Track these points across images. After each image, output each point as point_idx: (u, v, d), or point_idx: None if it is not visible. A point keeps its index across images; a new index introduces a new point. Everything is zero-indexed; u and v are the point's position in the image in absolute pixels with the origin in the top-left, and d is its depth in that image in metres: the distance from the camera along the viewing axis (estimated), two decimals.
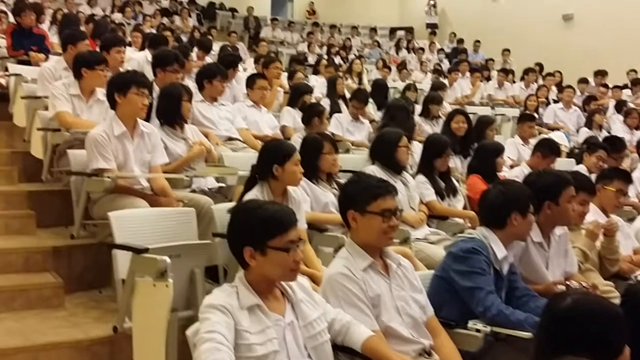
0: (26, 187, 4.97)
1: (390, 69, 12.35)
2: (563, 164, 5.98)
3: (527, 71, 11.75)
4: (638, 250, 4.34)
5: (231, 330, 2.09)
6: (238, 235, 2.25)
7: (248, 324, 2.13)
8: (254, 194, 3.46)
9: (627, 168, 6.11)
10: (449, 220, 4.63)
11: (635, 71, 12.31)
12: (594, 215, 4.02)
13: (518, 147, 6.76)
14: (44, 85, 5.31)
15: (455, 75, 11.26)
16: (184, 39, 11.74)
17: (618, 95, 10.87)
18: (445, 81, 10.59)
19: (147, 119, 4.32)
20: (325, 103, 6.89)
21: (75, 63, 4.77)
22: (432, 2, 18.46)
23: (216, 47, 9.73)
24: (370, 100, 7.46)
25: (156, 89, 4.90)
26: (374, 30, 18.16)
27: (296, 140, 4.62)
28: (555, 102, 10.25)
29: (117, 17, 12.98)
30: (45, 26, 8.83)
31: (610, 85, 11.30)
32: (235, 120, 5.58)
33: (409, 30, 18.42)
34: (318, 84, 8.35)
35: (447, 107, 8.14)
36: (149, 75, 4.83)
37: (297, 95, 6.37)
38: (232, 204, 3.61)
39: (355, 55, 14.09)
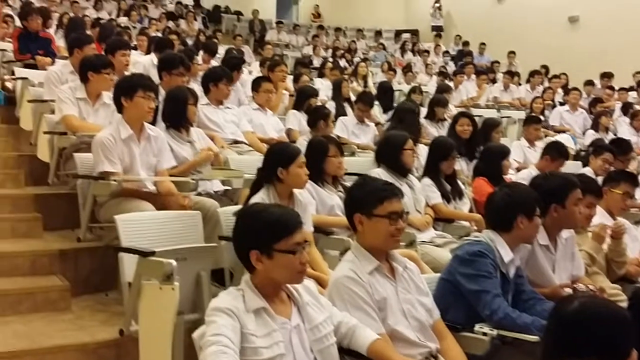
0: (33, 190, 4.99)
1: (395, 71, 12.36)
2: (569, 166, 5.97)
3: (532, 73, 11.73)
4: None
5: (237, 333, 2.09)
6: (244, 239, 2.25)
7: (254, 327, 2.13)
8: (260, 197, 3.46)
9: (634, 170, 6.08)
10: (455, 223, 4.62)
11: None
12: (600, 218, 4.01)
13: (524, 150, 6.75)
14: (50, 89, 5.33)
15: (461, 78, 11.25)
16: (190, 42, 11.78)
17: (624, 98, 10.84)
18: (451, 84, 10.58)
19: (153, 122, 4.34)
20: (331, 106, 6.89)
21: (81, 67, 4.79)
22: (437, 5, 18.45)
23: (222, 50, 9.77)
24: (376, 103, 7.47)
25: (162, 93, 4.91)
26: (379, 33, 18.19)
27: (302, 143, 4.63)
28: (561, 104, 10.22)
29: (123, 20, 13.04)
30: (51, 30, 8.86)
31: (617, 88, 11.27)
32: (241, 123, 5.59)
33: (414, 33, 18.43)
34: (323, 87, 8.36)
35: (452, 109, 8.13)
36: (155, 78, 4.84)
37: (303, 98, 6.38)
38: (238, 207, 3.62)
39: (360, 58, 14.13)
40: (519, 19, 16.08)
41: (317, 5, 20.16)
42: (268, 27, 17.62)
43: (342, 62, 13.04)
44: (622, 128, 8.99)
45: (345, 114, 7.00)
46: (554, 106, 10.09)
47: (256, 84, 6.07)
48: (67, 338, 3.45)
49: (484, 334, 2.72)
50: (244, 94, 6.76)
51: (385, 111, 7.84)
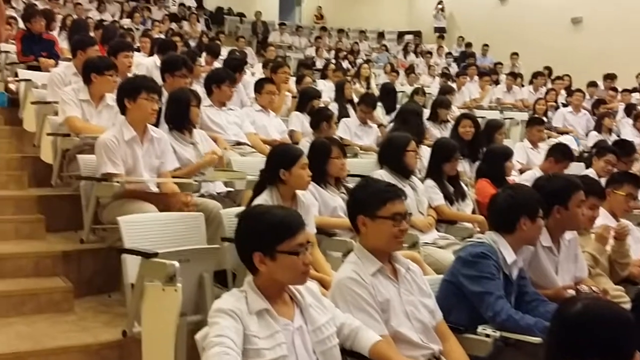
0: (36, 191, 4.99)
1: (398, 73, 12.36)
2: (572, 168, 5.95)
3: (535, 75, 11.73)
4: None
5: (240, 335, 2.09)
6: (247, 240, 2.25)
7: (257, 328, 2.13)
8: (263, 198, 3.46)
9: (637, 172, 6.06)
10: (458, 225, 4.62)
11: None
12: (603, 219, 4.00)
13: (527, 151, 6.74)
14: (53, 90, 5.34)
15: (464, 79, 11.25)
16: (193, 44, 11.81)
17: (627, 99, 10.82)
18: (454, 85, 10.57)
19: (156, 124, 4.34)
20: (334, 107, 6.89)
21: (84, 68, 4.80)
22: (440, 6, 18.44)
23: (224, 52, 9.77)
24: (379, 104, 7.46)
25: (165, 94, 4.92)
26: (381, 34, 18.19)
27: (304, 145, 4.62)
28: (565, 105, 10.22)
29: (126, 22, 13.06)
30: (55, 32, 8.88)
31: (620, 89, 11.25)
32: (244, 124, 5.60)
33: (417, 34, 18.42)
34: (326, 89, 8.36)
35: (455, 111, 8.12)
36: (158, 80, 4.85)
37: (305, 100, 6.38)
38: (240, 209, 3.63)
39: (363, 59, 14.12)
40: (522, 21, 16.06)
41: (320, 7, 20.18)
42: (271, 29, 17.63)
43: (345, 64, 13.03)
44: (625, 129, 8.98)
45: (347, 116, 7.00)
46: (557, 107, 10.09)
47: (259, 86, 6.08)
48: (70, 339, 3.46)
49: (487, 335, 2.72)
50: (246, 96, 6.76)
51: (387, 113, 7.84)
